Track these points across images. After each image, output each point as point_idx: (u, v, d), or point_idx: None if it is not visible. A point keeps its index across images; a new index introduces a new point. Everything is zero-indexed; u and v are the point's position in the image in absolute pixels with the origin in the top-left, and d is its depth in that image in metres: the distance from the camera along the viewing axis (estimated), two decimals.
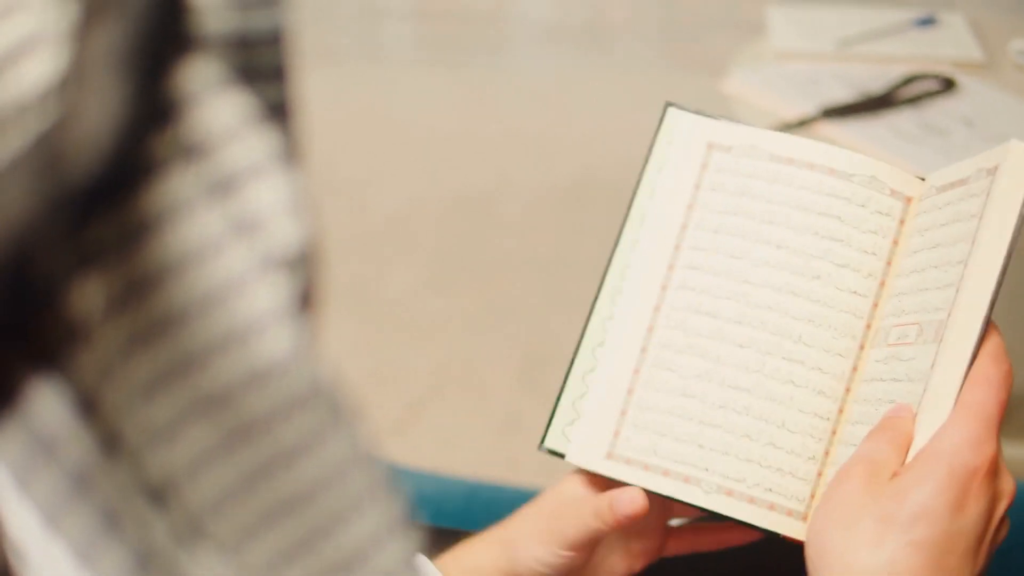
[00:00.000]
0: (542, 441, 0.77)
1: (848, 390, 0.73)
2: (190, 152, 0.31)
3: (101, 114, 0.28)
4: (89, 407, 0.32)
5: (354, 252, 2.38)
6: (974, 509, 0.61)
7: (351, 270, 2.33)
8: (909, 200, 0.74)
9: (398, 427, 1.76)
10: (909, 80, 1.49)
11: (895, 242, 0.74)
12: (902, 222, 0.74)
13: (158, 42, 0.29)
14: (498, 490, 1.07)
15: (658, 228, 0.78)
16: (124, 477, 0.32)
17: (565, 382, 0.77)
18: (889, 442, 0.64)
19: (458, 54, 2.98)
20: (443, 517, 1.02)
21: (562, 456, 0.76)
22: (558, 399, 0.77)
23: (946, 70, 1.52)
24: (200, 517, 0.33)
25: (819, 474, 0.73)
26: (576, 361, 0.78)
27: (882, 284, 0.74)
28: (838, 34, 1.62)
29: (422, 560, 0.74)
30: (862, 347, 0.73)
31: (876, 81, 1.50)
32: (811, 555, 0.63)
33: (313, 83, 2.64)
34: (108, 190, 0.28)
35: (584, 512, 0.74)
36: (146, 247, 0.31)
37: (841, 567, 0.61)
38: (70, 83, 0.29)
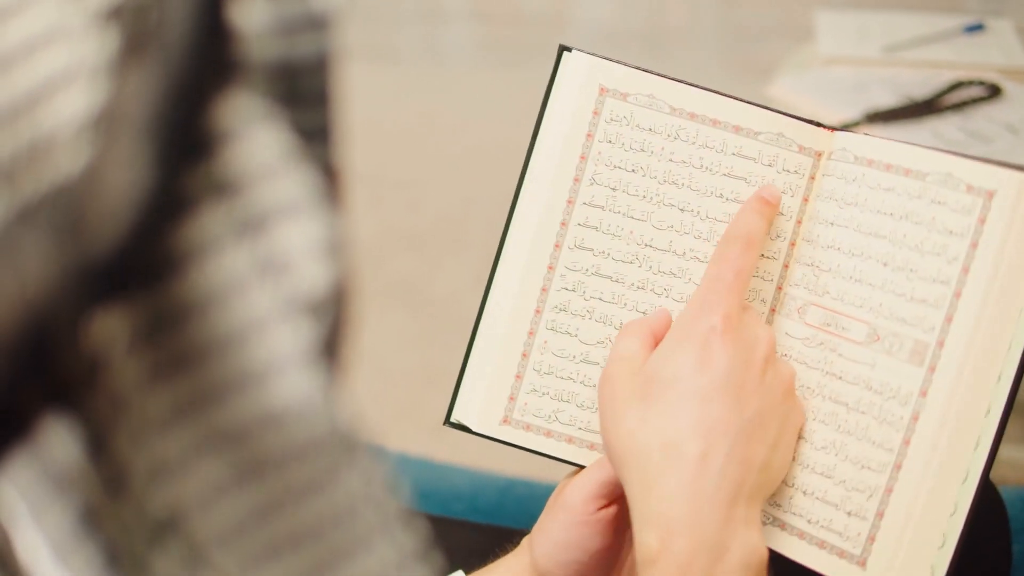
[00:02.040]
0: (448, 416, 0.75)
1: None
2: (223, 188, 0.31)
3: (128, 178, 0.28)
4: (99, 444, 0.32)
5: (406, 250, 2.41)
6: (722, 361, 0.65)
7: (402, 268, 2.36)
8: (819, 155, 0.72)
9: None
10: (955, 86, 1.48)
11: (805, 199, 0.72)
12: (812, 178, 0.72)
13: (201, 71, 0.29)
14: (533, 486, 1.08)
15: (548, 181, 0.73)
16: (129, 515, 0.32)
17: (468, 352, 0.75)
18: (636, 337, 0.68)
19: (516, 56, 2.99)
20: (478, 512, 1.03)
21: (468, 430, 0.74)
22: (462, 370, 0.75)
23: (993, 77, 1.52)
24: (207, 549, 0.33)
25: None
26: (478, 330, 0.75)
27: (792, 245, 0.72)
28: (885, 40, 1.62)
29: None
30: (773, 311, 0.72)
31: (922, 87, 1.50)
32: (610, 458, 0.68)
33: (371, 83, 2.67)
34: (131, 245, 0.28)
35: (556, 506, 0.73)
36: (173, 282, 0.30)
37: (622, 451, 0.65)
38: (100, 132, 0.28)
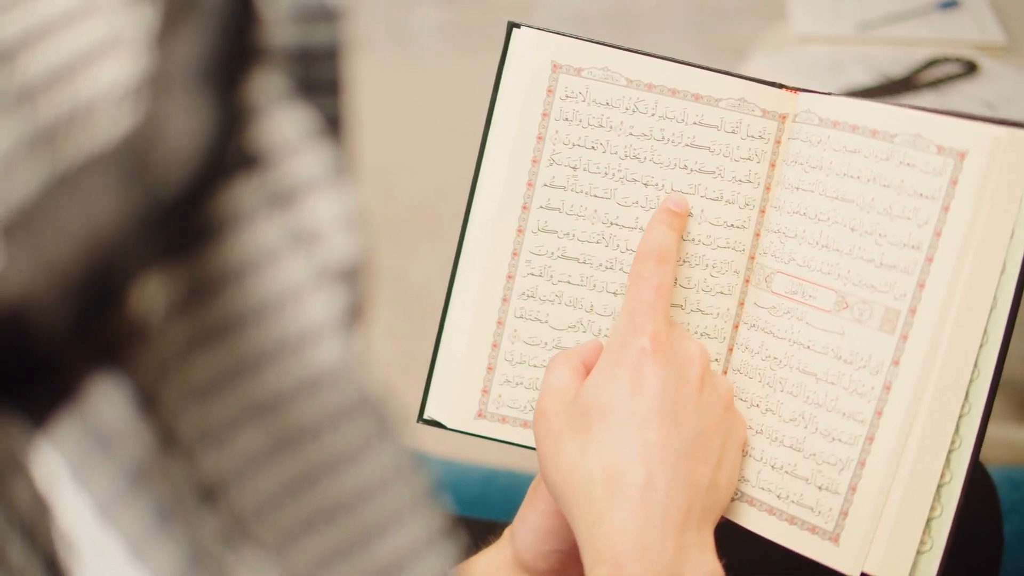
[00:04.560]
0: (420, 414, 0.73)
1: (736, 327, 0.71)
2: (255, 162, 0.31)
3: (187, 126, 0.29)
4: (148, 403, 0.32)
5: (379, 239, 2.39)
6: (655, 382, 0.63)
7: (376, 257, 2.34)
8: (783, 118, 0.70)
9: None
10: (931, 63, 1.47)
11: (772, 165, 0.70)
12: (778, 142, 0.70)
13: (234, 52, 0.30)
14: (513, 476, 1.07)
15: (505, 165, 0.71)
16: (179, 475, 0.33)
17: (437, 346, 0.73)
18: (566, 367, 0.66)
19: (484, 41, 2.98)
20: (458, 504, 1.01)
21: (443, 426, 0.72)
22: (432, 366, 0.73)
23: (968, 53, 1.51)
24: (246, 519, 0.33)
25: None
26: (445, 323, 0.73)
27: (762, 212, 0.70)
28: (859, 17, 1.61)
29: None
30: (747, 281, 0.70)
31: (898, 64, 1.49)
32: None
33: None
34: (188, 199, 0.29)
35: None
36: (210, 252, 0.31)
37: (564, 486, 0.63)
38: (152, 90, 0.29)
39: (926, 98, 1.43)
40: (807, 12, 1.63)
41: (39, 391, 0.29)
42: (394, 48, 3.08)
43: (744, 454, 0.68)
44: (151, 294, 0.30)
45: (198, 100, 0.29)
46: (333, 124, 0.36)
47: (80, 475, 0.32)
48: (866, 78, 1.47)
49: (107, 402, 0.31)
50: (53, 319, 0.28)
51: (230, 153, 0.30)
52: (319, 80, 0.36)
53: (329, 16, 0.36)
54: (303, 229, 0.33)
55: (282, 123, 0.32)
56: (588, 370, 0.66)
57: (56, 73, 0.30)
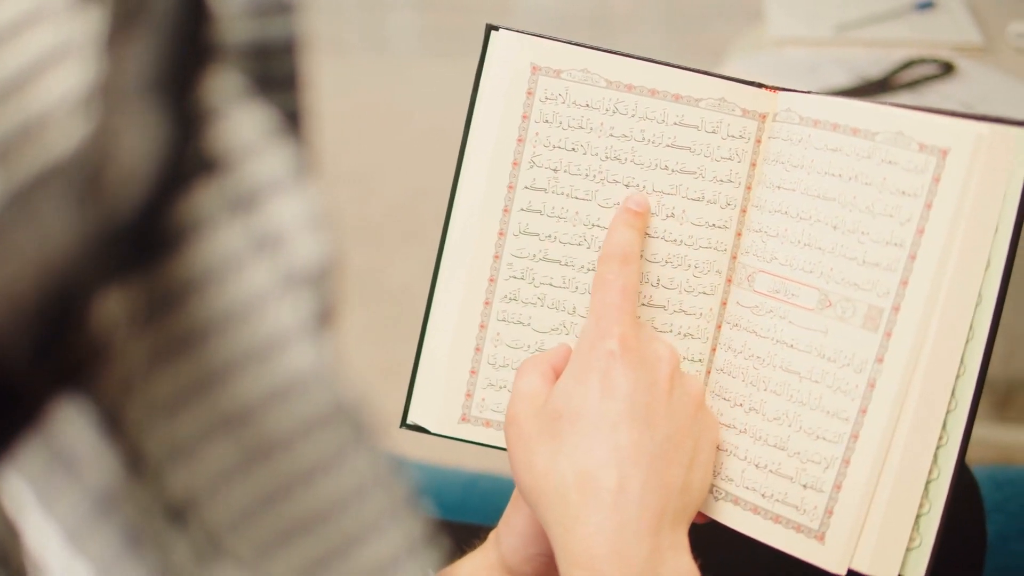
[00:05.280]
0: (403, 419, 0.72)
1: (720, 327, 0.71)
2: (214, 167, 0.31)
3: (141, 137, 0.28)
4: (113, 424, 0.31)
5: (358, 243, 2.38)
6: (625, 385, 0.63)
7: (355, 260, 2.33)
8: (763, 117, 0.70)
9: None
10: (908, 64, 1.48)
11: (753, 164, 0.70)
12: (758, 141, 0.70)
13: (187, 54, 0.29)
14: (497, 480, 1.07)
15: (486, 168, 0.70)
16: (147, 496, 0.32)
17: (419, 351, 0.72)
18: (535, 373, 0.66)
19: (460, 44, 2.97)
20: (442, 509, 1.01)
21: (426, 431, 0.72)
22: (414, 370, 0.72)
23: (945, 54, 1.51)
24: (219, 534, 0.33)
25: None
26: (427, 327, 0.72)
27: (743, 212, 0.70)
28: (836, 19, 1.61)
29: None
30: (729, 281, 0.70)
31: (875, 66, 1.49)
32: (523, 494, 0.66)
33: (317, 73, 2.64)
34: (145, 212, 0.28)
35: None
36: (170, 262, 0.30)
37: (538, 492, 0.63)
38: (103, 100, 0.28)
39: (903, 99, 1.43)
40: (784, 14, 1.64)
41: (1, 417, 0.28)
42: (370, 51, 3.07)
43: (727, 453, 0.68)
44: (111, 311, 0.29)
45: (152, 109, 0.28)
46: (292, 121, 0.35)
47: (46, 500, 0.32)
48: (843, 79, 1.47)
49: (70, 425, 0.31)
50: (11, 343, 0.27)
51: (187, 159, 0.29)
52: (276, 76, 0.35)
53: (283, 9, 0.35)
54: (266, 233, 0.32)
55: (240, 123, 0.31)
56: (557, 374, 0.66)
57: (5, 86, 0.29)
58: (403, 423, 0.72)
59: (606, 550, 0.60)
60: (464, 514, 0.98)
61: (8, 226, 0.27)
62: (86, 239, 0.27)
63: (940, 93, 1.44)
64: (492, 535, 0.73)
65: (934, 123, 0.63)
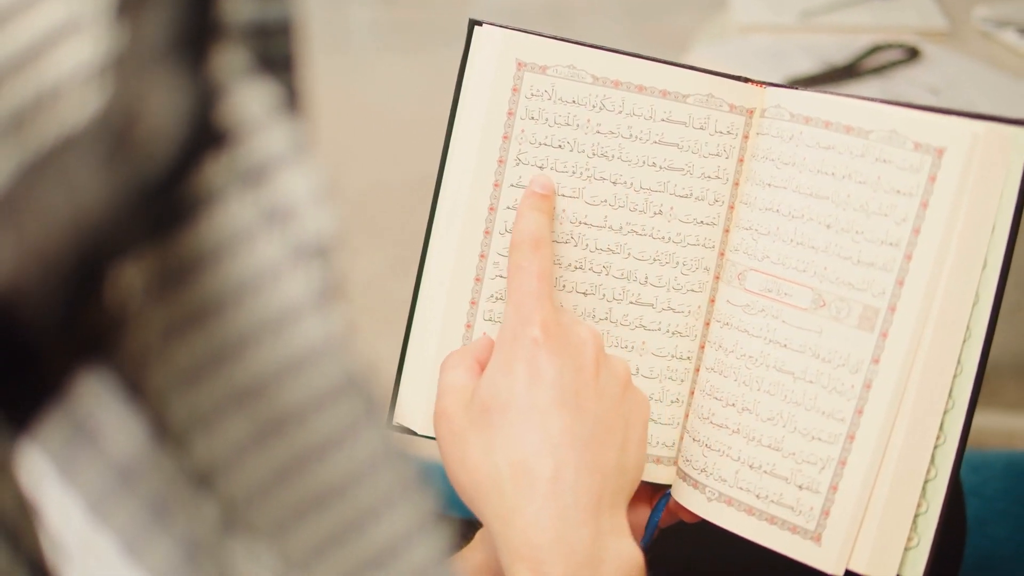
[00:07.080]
0: (388, 420, 0.71)
1: (708, 324, 0.70)
2: (224, 140, 0.30)
3: (165, 101, 0.28)
4: (136, 393, 0.31)
5: None
6: (551, 371, 0.62)
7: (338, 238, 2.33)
8: (751, 112, 0.70)
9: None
10: (873, 50, 1.48)
11: (741, 160, 0.70)
12: (746, 137, 0.69)
13: (200, 26, 0.29)
14: None
15: (471, 165, 0.69)
16: (172, 464, 0.32)
17: (404, 350, 0.71)
18: (460, 366, 0.66)
19: (420, 39, 2.96)
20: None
21: (413, 432, 0.71)
22: (399, 370, 0.71)
23: (910, 39, 1.51)
24: (237, 508, 0.33)
25: (685, 415, 0.71)
26: (412, 327, 0.71)
27: (731, 208, 0.70)
28: (801, 6, 1.61)
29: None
30: (717, 278, 0.70)
31: (841, 52, 1.49)
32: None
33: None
34: (171, 176, 0.28)
35: None
36: (182, 235, 0.30)
37: (473, 486, 0.63)
38: (124, 67, 0.28)
39: (870, 84, 1.43)
40: (748, 1, 1.63)
41: (23, 387, 0.28)
42: (329, 46, 3.06)
43: (719, 453, 0.67)
44: (129, 279, 0.29)
45: (172, 75, 0.28)
46: (290, 100, 0.35)
47: (68, 473, 0.31)
48: (809, 66, 1.47)
49: (92, 395, 0.31)
50: (41, 309, 0.27)
51: (203, 130, 0.29)
52: (274, 56, 0.34)
53: None
54: (276, 206, 0.32)
55: (248, 99, 0.31)
56: (483, 366, 0.65)
57: (17, 59, 0.29)
58: (388, 424, 0.71)
59: (548, 539, 0.60)
60: (452, 510, 0.97)
61: (36, 187, 0.27)
62: (118, 199, 0.27)
63: (906, 78, 1.44)
64: (479, 535, 0.72)
65: (929, 122, 0.62)
